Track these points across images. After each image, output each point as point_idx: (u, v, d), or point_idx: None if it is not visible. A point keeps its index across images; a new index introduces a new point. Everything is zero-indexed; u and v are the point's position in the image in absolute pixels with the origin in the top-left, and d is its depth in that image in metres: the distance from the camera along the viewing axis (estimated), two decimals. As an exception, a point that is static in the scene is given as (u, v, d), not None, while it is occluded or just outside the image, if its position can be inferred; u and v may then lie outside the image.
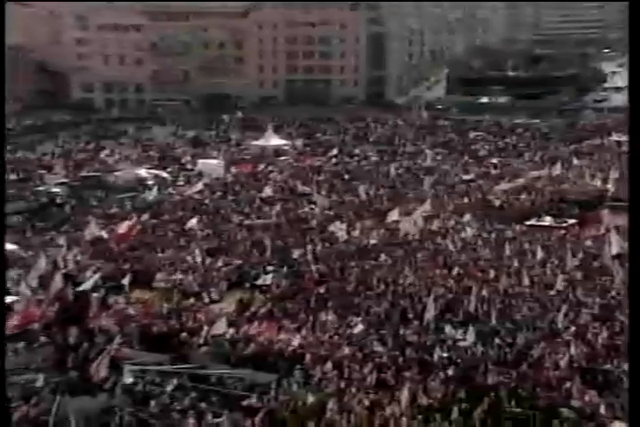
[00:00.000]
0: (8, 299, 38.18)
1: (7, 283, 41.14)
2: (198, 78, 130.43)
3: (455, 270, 41.98)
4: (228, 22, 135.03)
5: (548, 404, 26.62)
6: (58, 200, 62.82)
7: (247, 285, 41.29)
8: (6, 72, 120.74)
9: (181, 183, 69.85)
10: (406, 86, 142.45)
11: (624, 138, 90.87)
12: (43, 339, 33.22)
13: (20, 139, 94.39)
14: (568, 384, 28.13)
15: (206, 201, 62.62)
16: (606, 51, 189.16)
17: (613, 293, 38.21)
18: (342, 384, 28.50)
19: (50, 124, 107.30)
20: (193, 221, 53.23)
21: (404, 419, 25.42)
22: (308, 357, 30.72)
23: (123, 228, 52.08)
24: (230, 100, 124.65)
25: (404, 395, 26.85)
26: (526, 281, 39.81)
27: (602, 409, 26.03)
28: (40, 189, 66.33)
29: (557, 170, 71.26)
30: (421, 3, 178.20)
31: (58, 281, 39.54)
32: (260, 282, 41.12)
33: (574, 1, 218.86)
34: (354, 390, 27.84)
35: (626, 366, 29.42)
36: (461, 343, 31.89)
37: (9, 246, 48.25)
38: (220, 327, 33.80)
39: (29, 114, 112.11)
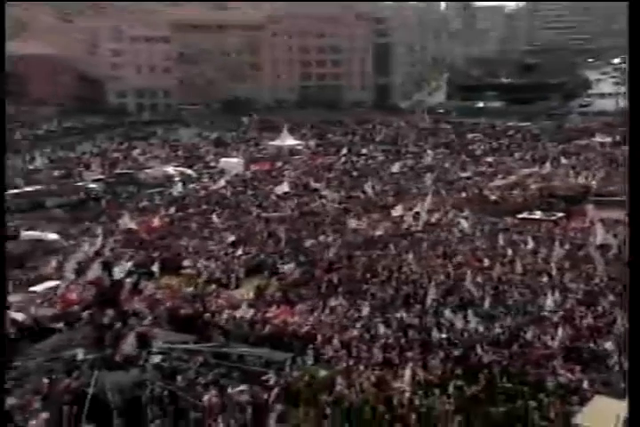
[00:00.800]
0: (52, 283, 38.51)
1: (51, 268, 41.50)
2: (220, 84, 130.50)
3: (454, 259, 42.10)
4: (247, 33, 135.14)
5: (537, 380, 26.74)
6: (94, 195, 63.03)
7: (264, 272, 41.48)
8: (51, 80, 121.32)
9: (205, 180, 69.93)
10: (410, 92, 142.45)
11: (607, 139, 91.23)
12: (82, 320, 33.46)
13: (61, 140, 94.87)
14: (555, 362, 28.29)
15: (228, 196, 62.74)
16: (591, 60, 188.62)
17: (597, 280, 38.26)
18: (350, 362, 28.66)
19: (88, 126, 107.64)
20: (215, 215, 53.42)
21: (407, 394, 25.57)
22: (319, 337, 30.90)
23: (152, 220, 52.36)
24: (249, 104, 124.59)
25: (407, 372, 27.00)
26: (518, 269, 39.94)
27: (585, 384, 26.13)
28: (79, 184, 66.53)
29: (547, 168, 71.27)
30: (424, 16, 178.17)
31: (95, 268, 39.74)
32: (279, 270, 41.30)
33: (573, 1, 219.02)
34: (361, 367, 28.00)
35: (607, 345, 29.67)
36: (459, 326, 31.99)
37: (52, 236, 48.61)
38: (241, 311, 34.01)
39: (70, 118, 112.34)
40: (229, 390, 26.23)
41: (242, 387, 26.24)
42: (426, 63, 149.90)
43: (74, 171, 74.15)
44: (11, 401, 25.61)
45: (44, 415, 24.77)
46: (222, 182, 67.74)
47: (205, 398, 25.79)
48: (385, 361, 28.84)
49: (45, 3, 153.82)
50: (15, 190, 63.24)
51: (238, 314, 33.70)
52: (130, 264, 41.03)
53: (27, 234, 49.14)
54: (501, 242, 45.42)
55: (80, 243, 46.71)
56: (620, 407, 20.99)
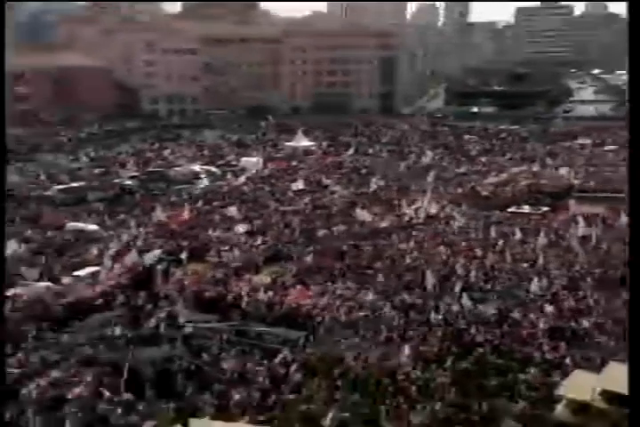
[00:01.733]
0: (93, 268, 38.62)
1: (91, 255, 41.60)
2: (242, 92, 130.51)
3: (450, 249, 42.08)
4: (267, 46, 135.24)
5: (524, 356, 26.76)
6: (130, 190, 63.16)
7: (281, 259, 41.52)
8: (93, 88, 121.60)
9: (228, 177, 69.94)
10: (411, 99, 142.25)
11: (588, 141, 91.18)
12: (119, 301, 33.59)
13: (101, 142, 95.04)
14: (541, 340, 28.32)
15: (248, 191, 62.77)
16: (573, 71, 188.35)
17: (577, 267, 38.26)
18: (357, 339, 28.70)
19: (124, 129, 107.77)
20: (235, 208, 53.46)
21: (407, 367, 25.63)
22: (328, 318, 30.93)
23: (181, 213, 52.47)
24: (268, 110, 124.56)
25: (407, 348, 27.05)
26: (508, 257, 39.93)
27: (567, 360, 26.15)
28: (116, 181, 66.67)
29: (534, 167, 71.31)
30: (425, 31, 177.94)
31: (130, 255, 39.90)
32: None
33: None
34: (367, 344, 28.08)
35: (586, 324, 29.73)
36: (454, 307, 32.00)
37: (92, 227, 48.71)
38: (259, 294, 34.06)
39: (109, 122, 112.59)
40: (249, 364, 26.40)
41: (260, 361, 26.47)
42: (426, 73, 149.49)
43: (112, 169, 74.25)
44: (56, 373, 25.81)
45: (87, 382, 24.95)
46: (243, 179, 67.80)
47: (227, 371, 25.95)
48: (387, 338, 28.92)
49: (86, 20, 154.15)
50: (61, 186, 63.46)
51: (257, 297, 33.74)
52: (161, 252, 41.21)
53: (71, 225, 49.26)
54: (493, 233, 45.43)
55: (117, 233, 46.85)
56: (596, 381, 21.03)
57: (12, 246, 42.34)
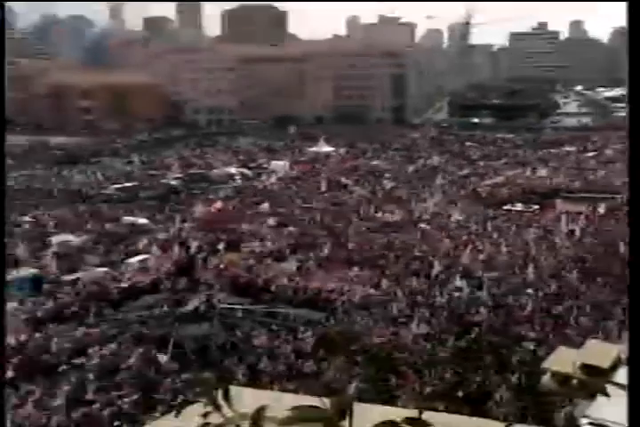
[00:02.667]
0: (143, 256, 38.87)
1: (142, 245, 41.87)
2: (271, 104, 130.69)
3: (453, 240, 42.03)
4: (293, 65, 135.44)
5: (515, 334, 26.78)
6: (175, 189, 63.50)
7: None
8: (143, 102, 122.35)
9: (259, 178, 70.17)
10: (420, 110, 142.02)
11: (573, 148, 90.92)
12: (165, 285, 33.79)
13: (150, 148, 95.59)
14: (530, 320, 28.37)
15: (277, 190, 62.93)
16: (559, 87, 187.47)
17: (561, 257, 38.19)
18: (370, 321, 28.73)
19: (170, 137, 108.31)
20: (266, 205, 53.61)
21: (413, 345, 25.68)
22: (346, 301, 30.97)
23: (218, 208, 52.64)
24: (294, 120, 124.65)
25: (413, 328, 27.09)
26: (503, 248, 39.86)
27: (552, 337, 26.25)
28: (163, 181, 67.03)
29: (527, 170, 71.16)
30: (431, 52, 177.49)
31: (175, 245, 40.10)
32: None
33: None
34: (379, 324, 28.12)
35: (568, 307, 29.79)
36: (456, 293, 32.01)
37: (143, 220, 49.06)
38: (286, 279, 34.14)
39: (157, 131, 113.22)
40: (277, 341, 26.53)
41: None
42: (432, 89, 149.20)
43: (160, 171, 74.68)
44: (111, 348, 26.04)
45: (138, 355, 25.15)
46: (273, 180, 67.98)
47: (258, 346, 26.07)
48: (396, 319, 28.95)
49: (140, 43, 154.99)
50: (117, 185, 63.94)
51: (284, 282, 33.81)
52: (201, 243, 41.38)
53: (125, 219, 49.61)
54: (490, 228, 45.38)
55: (164, 226, 47.09)
56: (577, 356, 21.12)
57: (69, 238, 42.85)
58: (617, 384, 2.32)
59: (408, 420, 1.90)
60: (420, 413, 1.95)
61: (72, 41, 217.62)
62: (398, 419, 1.90)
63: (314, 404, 1.98)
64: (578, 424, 2.15)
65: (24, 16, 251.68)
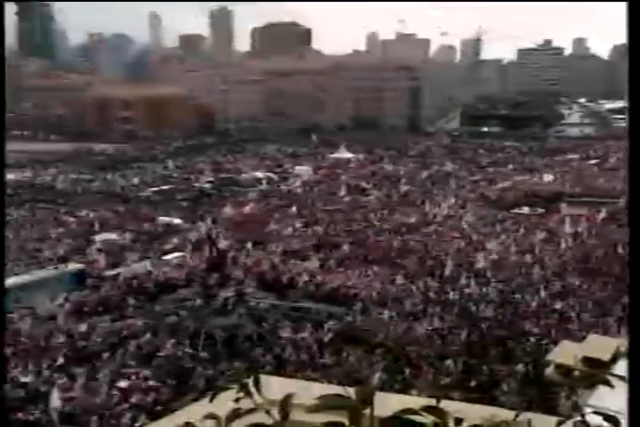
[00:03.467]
0: (178, 253, 39.00)
1: (177, 243, 41.99)
2: (296, 113, 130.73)
3: (464, 241, 41.87)
4: (317, 78, 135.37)
5: (521, 329, 26.65)
6: (207, 192, 63.68)
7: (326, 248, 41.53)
8: (179, 112, 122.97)
9: (285, 182, 70.23)
10: (433, 120, 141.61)
11: (576, 156, 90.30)
12: (198, 280, 33.90)
13: (185, 154, 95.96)
14: (535, 316, 28.22)
15: (301, 193, 62.96)
16: (563, 99, 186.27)
17: (565, 258, 37.98)
18: (386, 316, 28.68)
19: (203, 144, 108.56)
20: (291, 207, 53.67)
21: (426, 338, 25.63)
22: (364, 296, 30.93)
23: (246, 210, 52.75)
24: (317, 128, 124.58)
25: (425, 322, 27.05)
26: (512, 249, 39.72)
27: (553, 333, 26.11)
28: (196, 185, 67.26)
29: (533, 176, 70.82)
30: (444, 66, 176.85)
31: (206, 243, 40.18)
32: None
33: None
34: (395, 318, 28.09)
35: (571, 305, 29.58)
36: (466, 290, 31.89)
37: (178, 220, 49.17)
38: (308, 276, 34.15)
39: (191, 138, 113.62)
40: (300, 333, 26.54)
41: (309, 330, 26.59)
42: (445, 100, 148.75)
43: (193, 175, 74.94)
44: (146, 337, 26.18)
45: (171, 343, 25.28)
46: (297, 184, 68.01)
47: (283, 338, 26.09)
48: (411, 313, 28.88)
49: (177, 58, 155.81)
50: (154, 188, 64.25)
51: (307, 278, 33.82)
52: (230, 242, 41.48)
53: (161, 219, 49.82)
54: (498, 229, 45.19)
55: (197, 226, 47.24)
56: (579, 349, 21.02)
57: (111, 236, 43.13)
58: (616, 376, 2.33)
59: (426, 408, 1.91)
60: (438, 401, 1.95)
61: (115, 57, 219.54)
62: (416, 407, 1.90)
63: (337, 392, 1.99)
64: (583, 413, 2.15)
65: (73, 35, 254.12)
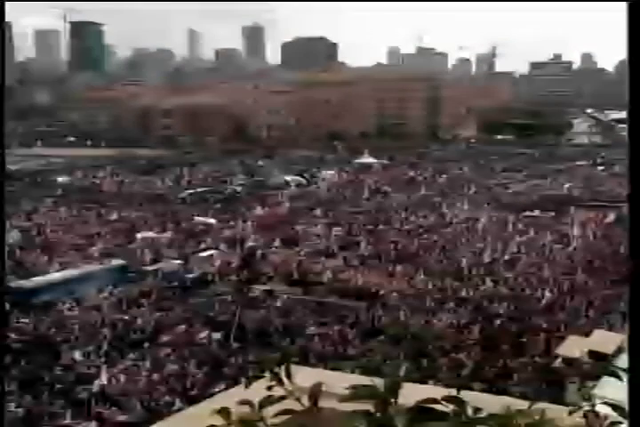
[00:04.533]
0: (211, 251, 39.08)
1: (209, 243, 42.06)
2: (323, 121, 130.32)
3: (479, 241, 41.60)
4: (343, 88, 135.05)
5: (533, 324, 26.56)
6: (239, 194, 63.83)
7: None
8: (214, 120, 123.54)
9: (312, 185, 70.26)
10: (451, 128, 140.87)
11: (584, 162, 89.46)
12: (230, 276, 34.03)
13: (219, 159, 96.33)
14: (549, 312, 28.10)
15: (327, 195, 62.90)
16: (571, 109, 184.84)
17: (574, 257, 37.71)
18: (405, 309, 28.59)
19: (236, 149, 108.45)
20: (317, 208, 53.68)
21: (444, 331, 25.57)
22: (385, 292, 30.86)
23: (275, 211, 52.91)
24: (342, 135, 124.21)
25: (444, 318, 27.02)
26: (523, 248, 39.49)
27: (564, 327, 25.97)
28: (229, 187, 67.46)
29: (544, 181, 70.40)
30: (461, 78, 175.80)
31: (237, 242, 40.37)
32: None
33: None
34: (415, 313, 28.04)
35: (578, 302, 29.34)
36: (481, 287, 31.74)
37: (211, 220, 49.18)
38: (333, 273, 34.15)
39: (225, 143, 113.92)
40: (325, 326, 26.57)
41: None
42: (462, 109, 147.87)
43: (226, 178, 75.13)
44: (185, 326, 26.35)
45: (204, 334, 25.44)
46: (323, 187, 68.05)
47: (308, 331, 26.14)
48: (428, 309, 28.77)
49: (212, 70, 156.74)
50: (190, 190, 64.50)
51: (331, 275, 33.81)
52: (260, 240, 41.57)
53: (197, 219, 49.92)
54: (512, 230, 44.95)
55: (229, 225, 47.38)
56: (585, 343, 20.92)
57: (151, 235, 43.42)
58: (617, 368, 2.31)
59: (447, 397, 1.90)
60: (458, 391, 1.95)
61: (157, 69, 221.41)
62: (437, 397, 1.90)
63: (366, 383, 1.99)
64: (594, 402, 2.13)
65: (120, 50, 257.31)
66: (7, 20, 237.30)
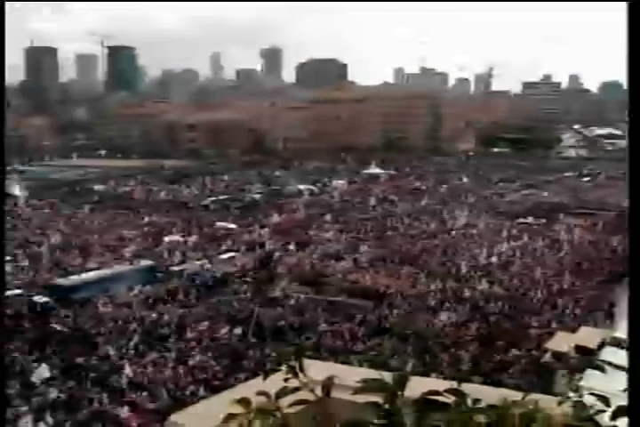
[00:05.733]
0: (232, 253, 39.12)
1: (229, 246, 42.04)
2: (334, 135, 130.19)
3: (477, 246, 41.44)
4: (352, 105, 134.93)
5: (525, 322, 26.40)
6: (257, 202, 63.82)
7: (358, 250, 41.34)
8: (234, 134, 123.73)
9: (324, 194, 70.21)
10: (452, 141, 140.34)
11: (573, 173, 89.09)
12: (248, 276, 34.00)
13: (239, 169, 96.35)
14: (540, 310, 27.91)
15: (337, 203, 62.84)
16: (561, 125, 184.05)
17: (564, 261, 37.44)
18: (410, 309, 28.48)
19: (253, 160, 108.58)
20: (328, 215, 53.61)
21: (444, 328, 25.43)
22: (392, 292, 30.75)
23: (290, 217, 52.89)
24: (351, 147, 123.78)
25: (444, 316, 26.89)
26: (518, 252, 39.29)
27: (554, 324, 25.82)
28: (248, 195, 67.49)
29: (536, 191, 70.11)
30: (460, 96, 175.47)
31: (256, 245, 40.39)
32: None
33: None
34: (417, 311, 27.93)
35: (566, 302, 29.09)
36: (478, 287, 31.60)
37: (232, 225, 49.23)
38: (342, 274, 34.06)
39: (245, 155, 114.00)
40: (335, 323, 26.50)
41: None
42: (461, 124, 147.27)
43: (245, 187, 75.19)
44: (204, 325, 26.31)
45: (225, 329, 25.41)
46: (334, 195, 67.99)
47: (320, 328, 26.07)
48: (431, 307, 28.65)
49: (233, 88, 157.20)
50: (213, 198, 64.63)
51: (341, 276, 33.72)
52: (276, 244, 41.55)
53: (218, 224, 50.01)
54: (506, 236, 44.73)
55: (248, 230, 47.39)
56: (572, 338, 20.83)
57: (177, 238, 43.54)
58: (601, 361, 2.32)
59: (449, 390, 1.90)
60: (459, 384, 1.94)
61: (183, 88, 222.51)
62: (440, 389, 1.90)
63: (375, 377, 1.99)
64: (581, 393, 2.13)
65: (150, 70, 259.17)
66: (53, 46, 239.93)
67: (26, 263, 36.61)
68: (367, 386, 1.93)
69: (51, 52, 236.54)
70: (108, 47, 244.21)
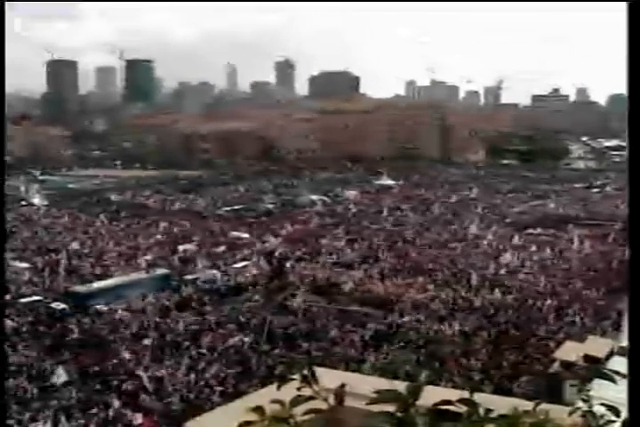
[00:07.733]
0: (244, 262, 39.09)
1: (242, 255, 41.97)
2: (345, 145, 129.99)
3: (487, 256, 41.24)
4: (363, 116, 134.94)
5: (534, 330, 26.26)
6: (270, 211, 63.83)
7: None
8: (245, 144, 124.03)
9: (336, 204, 70.15)
10: (461, 153, 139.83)
11: (581, 184, 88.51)
12: (261, 285, 33.96)
13: (252, 179, 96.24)
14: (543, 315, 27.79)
15: (349, 213, 62.71)
16: (568, 137, 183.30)
17: (573, 270, 37.21)
18: (420, 316, 28.33)
19: (265, 170, 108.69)
20: (343, 226, 53.44)
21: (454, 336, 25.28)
22: (402, 301, 30.58)
23: (302, 227, 52.81)
24: (362, 158, 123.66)
25: (454, 324, 26.80)
26: (527, 263, 39.11)
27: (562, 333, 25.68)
28: (261, 205, 67.52)
29: (545, 201, 69.77)
30: (468, 108, 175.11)
31: (268, 254, 40.33)
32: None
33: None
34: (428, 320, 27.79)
35: (576, 310, 28.90)
36: (488, 296, 31.41)
37: (245, 235, 49.10)
38: (354, 284, 33.92)
39: (258, 166, 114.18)
40: (346, 331, 26.40)
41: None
42: (471, 136, 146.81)
43: (257, 196, 75.21)
44: (220, 332, 26.30)
45: (237, 338, 25.37)
46: (346, 205, 67.89)
47: (332, 335, 26.00)
48: (441, 317, 28.47)
49: (245, 99, 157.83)
50: (227, 207, 64.73)
51: (352, 285, 33.59)
52: (289, 253, 41.46)
53: (232, 233, 49.94)
54: (516, 246, 44.46)
55: (261, 239, 47.32)
56: (580, 348, 20.66)
57: (191, 247, 43.55)
58: (610, 371, 2.29)
59: (461, 400, 1.89)
60: (471, 394, 1.93)
61: (199, 100, 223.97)
62: (452, 398, 1.89)
63: (389, 387, 1.98)
64: (591, 403, 2.11)
65: (166, 82, 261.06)
66: (73, 59, 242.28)
67: (45, 271, 36.81)
68: (382, 397, 1.92)
69: (71, 64, 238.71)
70: (127, 60, 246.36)
